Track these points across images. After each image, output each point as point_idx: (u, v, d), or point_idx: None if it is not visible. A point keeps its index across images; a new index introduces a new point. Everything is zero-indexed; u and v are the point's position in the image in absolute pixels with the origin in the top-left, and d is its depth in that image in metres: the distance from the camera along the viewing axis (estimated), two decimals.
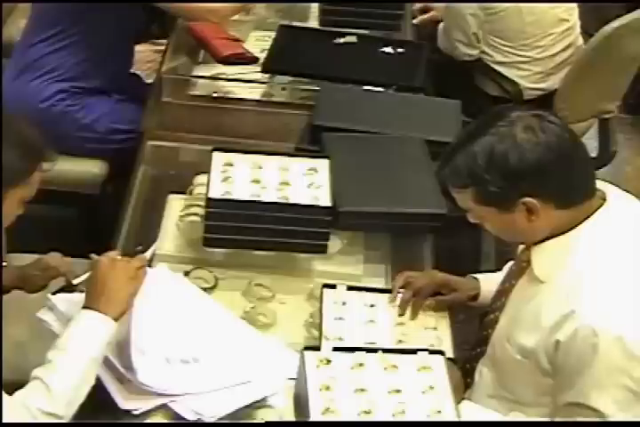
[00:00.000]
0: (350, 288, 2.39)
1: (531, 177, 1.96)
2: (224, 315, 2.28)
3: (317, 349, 2.14)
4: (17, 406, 1.89)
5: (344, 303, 2.36)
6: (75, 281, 2.22)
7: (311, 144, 2.79)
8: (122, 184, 2.86)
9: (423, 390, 2.06)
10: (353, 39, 3.37)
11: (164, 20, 3.66)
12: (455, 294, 2.38)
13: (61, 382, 1.93)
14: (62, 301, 2.16)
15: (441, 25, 3.80)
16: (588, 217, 2.03)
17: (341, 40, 3.37)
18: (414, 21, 3.93)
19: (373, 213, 2.50)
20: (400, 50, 3.35)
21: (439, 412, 2.01)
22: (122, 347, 2.07)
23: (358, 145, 2.72)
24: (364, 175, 2.60)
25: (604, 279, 1.98)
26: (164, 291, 2.22)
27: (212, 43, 3.19)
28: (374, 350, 2.14)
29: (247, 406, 2.07)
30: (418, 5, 4.01)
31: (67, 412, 1.93)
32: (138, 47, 3.53)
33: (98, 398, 2.01)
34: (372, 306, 2.36)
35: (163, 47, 3.57)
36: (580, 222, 2.03)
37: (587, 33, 3.73)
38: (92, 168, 3.33)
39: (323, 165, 2.55)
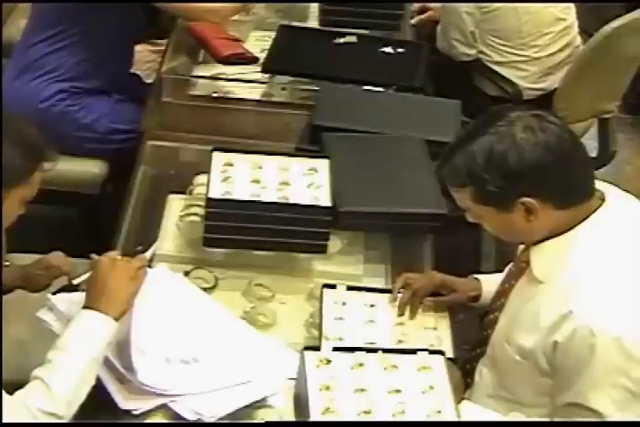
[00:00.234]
0: (350, 288, 2.39)
1: (530, 177, 1.96)
2: (224, 315, 2.28)
3: (317, 349, 2.14)
4: (17, 405, 1.89)
5: (344, 303, 2.36)
6: (75, 281, 2.22)
7: (311, 144, 2.79)
8: (122, 184, 2.86)
9: (423, 390, 2.06)
10: (353, 39, 3.37)
11: (163, 20, 3.65)
12: (454, 294, 2.38)
13: (62, 382, 1.93)
14: (62, 301, 2.16)
15: (439, 26, 3.81)
16: (587, 217, 2.03)
17: (341, 40, 3.37)
18: (412, 21, 3.93)
19: (373, 213, 2.50)
20: (400, 50, 3.35)
21: (439, 412, 2.01)
22: (122, 347, 2.07)
23: (358, 145, 2.72)
24: (364, 175, 2.60)
25: (603, 280, 1.98)
26: (164, 291, 2.22)
27: (212, 43, 3.20)
28: (374, 350, 2.14)
29: (247, 406, 2.07)
30: (416, 5, 4.01)
31: (67, 412, 1.93)
32: (136, 47, 3.52)
33: (98, 398, 2.01)
34: (372, 306, 2.36)
35: (162, 47, 3.58)
36: (579, 223, 2.03)
37: (586, 33, 3.73)
38: (92, 168, 3.33)
39: (323, 165, 2.55)
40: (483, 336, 2.24)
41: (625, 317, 1.94)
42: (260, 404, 2.09)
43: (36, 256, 2.43)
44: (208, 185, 2.42)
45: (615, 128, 3.86)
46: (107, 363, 2.06)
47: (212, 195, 2.39)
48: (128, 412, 2.04)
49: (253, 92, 3.18)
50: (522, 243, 2.21)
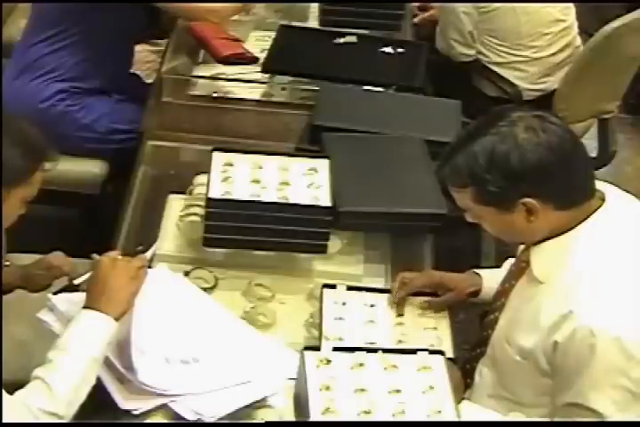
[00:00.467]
0: (350, 288, 2.39)
1: (531, 177, 1.96)
2: (224, 315, 2.28)
3: (317, 349, 2.14)
4: (18, 405, 1.89)
5: (344, 303, 2.36)
6: (76, 281, 2.22)
7: (311, 144, 2.80)
8: (122, 184, 2.86)
9: (423, 390, 2.06)
10: (353, 39, 3.37)
11: (163, 20, 3.66)
12: (450, 294, 2.37)
13: (62, 381, 1.93)
14: (62, 301, 2.16)
15: (438, 26, 3.81)
16: (587, 217, 2.03)
17: (341, 40, 3.37)
18: (415, 20, 3.93)
19: (373, 213, 2.50)
20: (400, 50, 3.35)
21: (439, 412, 2.01)
22: (122, 347, 2.07)
23: (358, 145, 2.72)
24: (364, 175, 2.60)
25: (603, 280, 1.98)
26: (164, 291, 2.22)
27: (212, 43, 3.20)
28: (374, 350, 2.14)
29: (247, 406, 2.07)
30: (415, 5, 4.01)
31: (67, 412, 1.93)
32: (136, 47, 3.52)
33: (98, 398, 2.01)
34: (372, 306, 2.36)
35: (161, 47, 3.58)
36: (580, 223, 2.03)
37: (586, 33, 3.73)
38: (92, 168, 3.33)
39: (323, 165, 2.55)
40: (483, 336, 2.24)
41: (625, 317, 1.94)
42: (260, 404, 2.09)
43: (36, 256, 2.43)
44: (208, 185, 2.42)
45: (615, 128, 3.86)
46: (107, 363, 2.06)
47: (212, 195, 2.39)
48: (128, 412, 2.04)
49: (253, 92, 3.18)
50: (522, 243, 2.21)
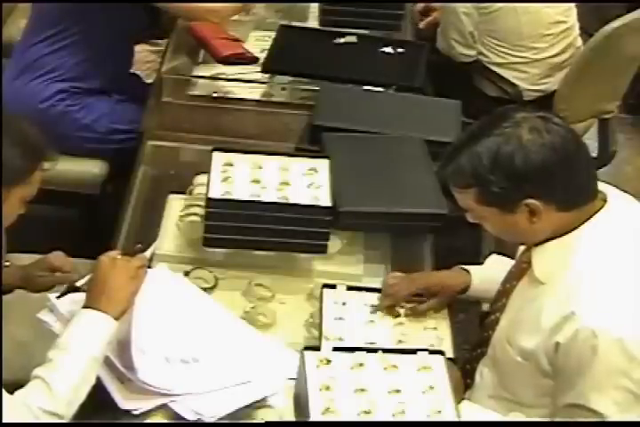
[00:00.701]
0: (350, 288, 2.39)
1: (535, 178, 1.96)
2: (224, 315, 2.28)
3: (317, 349, 2.14)
4: (18, 405, 1.89)
5: (344, 303, 2.36)
6: (78, 283, 2.22)
7: (311, 144, 2.79)
8: (122, 184, 2.86)
9: (423, 390, 2.06)
10: (353, 39, 3.37)
11: (164, 20, 3.65)
12: (434, 299, 2.36)
13: (62, 381, 1.93)
14: (63, 302, 2.16)
15: (440, 26, 3.81)
16: (589, 218, 2.03)
17: (341, 40, 3.37)
18: (420, 26, 3.93)
19: (373, 213, 2.50)
20: (400, 50, 3.35)
21: (439, 412, 2.01)
22: (122, 346, 2.07)
23: (358, 145, 2.72)
24: (364, 175, 2.60)
25: (605, 281, 1.98)
26: (164, 291, 2.22)
27: (212, 43, 3.20)
28: (374, 350, 2.14)
29: (247, 406, 2.07)
30: (419, 6, 4.01)
31: (67, 411, 1.93)
32: (136, 47, 3.52)
33: (98, 398, 2.01)
34: (372, 306, 2.36)
35: (161, 47, 3.58)
36: (581, 224, 2.03)
37: (587, 33, 3.72)
38: (92, 168, 3.33)
39: (323, 165, 2.55)
40: (483, 337, 2.24)
41: (627, 318, 1.94)
42: (260, 404, 2.09)
43: (36, 256, 2.42)
44: (208, 185, 2.42)
45: (615, 128, 3.86)
46: (107, 362, 2.06)
47: (212, 195, 2.39)
48: (128, 412, 2.04)
49: (253, 92, 3.18)
50: (523, 243, 2.21)
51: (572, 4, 3.75)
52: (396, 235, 2.61)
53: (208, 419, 2.02)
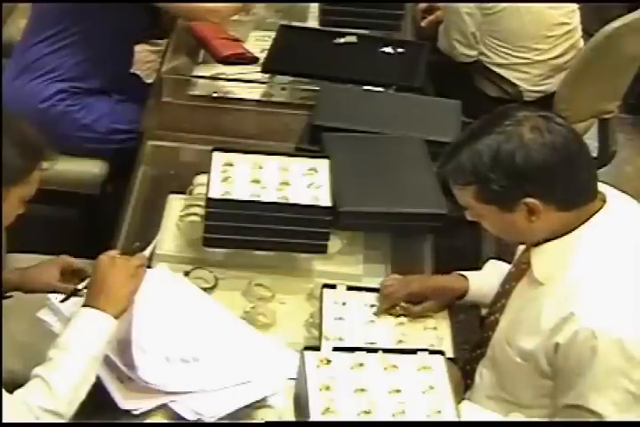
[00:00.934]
0: (350, 288, 2.39)
1: (535, 177, 1.96)
2: (224, 315, 2.28)
3: (317, 349, 2.14)
4: (18, 404, 1.89)
5: (344, 303, 2.36)
6: (80, 286, 2.21)
7: (311, 144, 2.79)
8: (122, 184, 2.86)
9: (423, 390, 2.06)
10: (353, 39, 3.37)
11: (164, 20, 3.65)
12: (429, 302, 2.35)
13: (62, 380, 1.93)
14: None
15: (441, 26, 3.81)
16: (589, 219, 2.03)
17: (341, 40, 3.37)
18: (422, 24, 3.93)
19: (373, 213, 2.50)
20: (400, 50, 3.35)
21: (439, 412, 2.01)
22: (123, 345, 2.07)
23: (358, 145, 2.72)
24: (364, 175, 2.60)
25: (604, 282, 1.98)
26: (164, 291, 2.22)
27: (212, 43, 3.20)
28: (374, 350, 2.14)
29: (247, 406, 2.07)
30: (422, 5, 4.01)
31: (67, 410, 1.93)
32: (136, 47, 3.52)
33: (98, 398, 2.01)
34: (372, 306, 2.36)
35: (161, 47, 3.58)
36: (581, 224, 2.03)
37: (587, 33, 3.72)
38: (92, 168, 3.33)
39: (323, 165, 2.55)
40: (483, 338, 2.24)
41: (626, 318, 1.94)
42: (260, 404, 2.08)
43: (36, 256, 2.42)
44: (208, 185, 2.41)
45: (615, 128, 3.86)
46: (107, 362, 2.06)
47: (212, 195, 2.39)
48: (128, 412, 2.04)
49: (253, 92, 3.18)
50: (522, 243, 2.21)
51: (576, 6, 3.74)
52: (396, 235, 2.61)
53: (208, 419, 2.02)
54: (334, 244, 2.49)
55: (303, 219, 2.40)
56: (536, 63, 3.70)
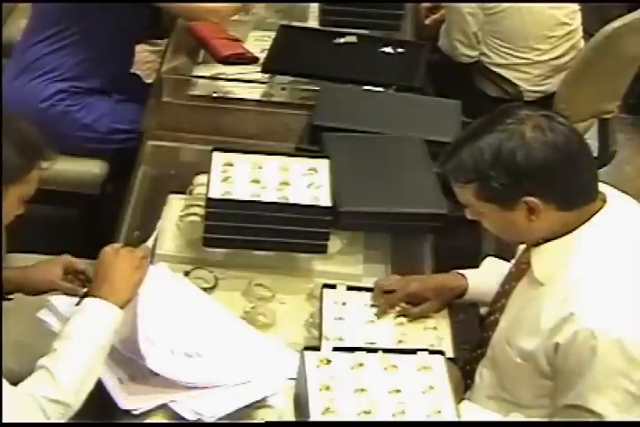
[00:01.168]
0: (350, 288, 2.39)
1: (536, 176, 1.96)
2: (224, 315, 2.28)
3: (317, 349, 2.14)
4: (22, 395, 1.89)
5: (344, 303, 2.36)
6: (85, 289, 2.21)
7: (311, 144, 2.79)
8: (122, 184, 2.86)
9: (423, 390, 2.06)
10: (353, 39, 3.37)
11: (163, 20, 3.66)
12: (428, 303, 2.35)
13: (66, 369, 1.93)
14: (62, 302, 2.16)
15: (443, 25, 3.81)
16: (589, 219, 2.03)
17: (341, 40, 3.37)
18: (426, 22, 3.93)
19: (373, 213, 2.50)
20: (400, 50, 3.35)
21: (439, 412, 2.01)
22: (129, 336, 2.06)
23: (358, 145, 2.72)
24: (364, 175, 2.60)
25: (604, 282, 1.98)
26: (166, 288, 2.22)
27: (212, 43, 3.19)
28: (374, 350, 2.14)
29: (247, 406, 2.07)
30: (426, 4, 4.01)
31: (74, 400, 1.92)
32: (136, 47, 3.52)
33: (98, 398, 2.01)
34: (372, 306, 2.36)
35: (161, 47, 3.58)
36: (581, 224, 2.03)
37: (587, 33, 3.73)
38: (92, 168, 3.33)
39: (323, 165, 2.55)
40: (483, 338, 2.24)
41: (626, 318, 1.94)
42: (260, 404, 2.08)
43: (36, 256, 2.42)
44: (208, 185, 2.41)
45: (615, 128, 3.86)
46: (106, 362, 2.06)
47: (212, 195, 2.39)
48: (128, 412, 2.04)
49: (253, 92, 3.18)
50: (521, 242, 2.21)
51: (578, 7, 3.74)
52: (396, 235, 2.61)
53: (208, 419, 2.02)
54: (334, 244, 2.49)
55: (303, 219, 2.40)
56: (537, 63, 3.70)
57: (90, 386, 1.96)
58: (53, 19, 3.26)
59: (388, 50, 3.35)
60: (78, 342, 1.97)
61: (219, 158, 2.52)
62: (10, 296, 2.31)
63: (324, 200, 2.43)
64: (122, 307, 2.03)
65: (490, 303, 2.28)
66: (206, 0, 3.31)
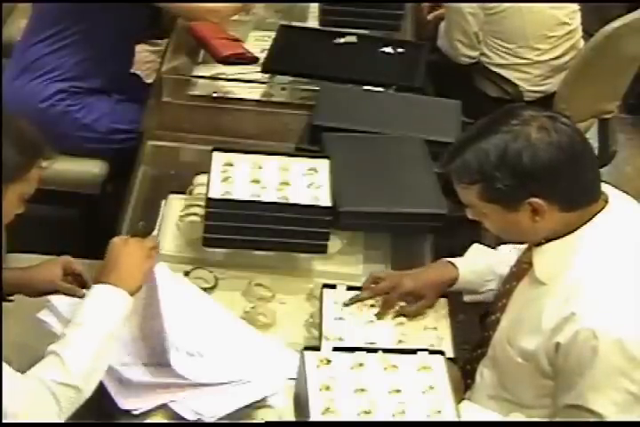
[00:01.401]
0: (350, 288, 2.39)
1: (542, 177, 1.96)
2: (224, 315, 2.28)
3: (317, 349, 2.14)
4: (31, 380, 1.89)
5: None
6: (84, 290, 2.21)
7: (311, 144, 2.79)
8: (122, 184, 2.86)
9: (423, 390, 2.06)
10: (353, 39, 3.37)
11: (163, 20, 3.66)
12: (423, 301, 2.35)
13: (75, 355, 1.93)
14: (63, 302, 2.16)
15: (442, 25, 3.81)
16: (591, 219, 2.03)
17: (341, 40, 3.37)
18: (429, 17, 3.94)
19: (373, 213, 2.50)
20: (400, 50, 3.35)
21: (439, 412, 2.01)
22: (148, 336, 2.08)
23: (358, 145, 2.72)
24: (364, 175, 2.60)
25: (605, 282, 1.98)
26: (167, 287, 2.22)
27: (212, 43, 3.19)
28: (374, 350, 2.14)
29: (247, 406, 2.07)
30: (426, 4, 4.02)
31: (84, 384, 1.92)
32: (136, 47, 3.52)
33: (98, 398, 2.01)
34: (372, 306, 2.36)
35: (161, 47, 3.58)
36: (583, 224, 2.03)
37: (587, 33, 3.73)
38: (92, 168, 3.33)
39: (323, 165, 2.55)
40: (484, 337, 2.24)
41: (627, 319, 1.94)
42: (260, 404, 2.08)
43: (36, 256, 2.42)
44: (208, 185, 2.41)
45: (615, 128, 3.86)
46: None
47: (212, 195, 2.39)
48: (128, 412, 2.04)
49: (253, 92, 3.18)
50: (521, 243, 2.21)
51: (578, 7, 3.74)
52: (396, 235, 2.61)
53: (208, 419, 2.02)
54: (334, 244, 2.49)
55: (303, 219, 2.40)
56: (536, 63, 3.70)
57: (100, 373, 1.96)
58: (53, 19, 3.26)
59: (388, 50, 3.35)
60: (88, 327, 1.97)
61: (219, 158, 2.52)
62: (10, 297, 2.30)
63: (324, 200, 2.43)
64: (132, 294, 2.04)
65: (490, 303, 2.28)
66: (206, 0, 3.31)
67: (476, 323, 2.40)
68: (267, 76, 3.19)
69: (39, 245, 2.63)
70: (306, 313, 2.37)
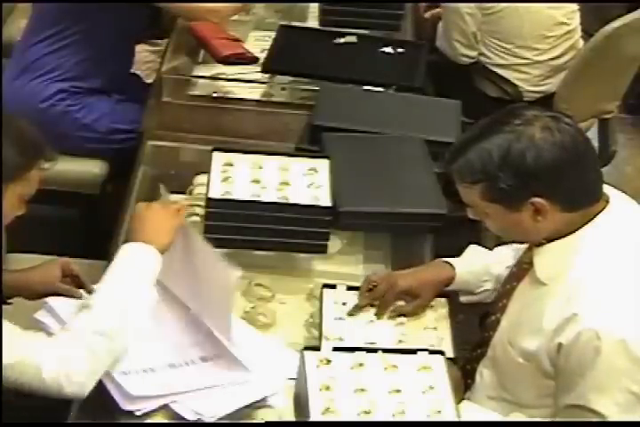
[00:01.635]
0: (350, 288, 2.39)
1: (544, 177, 1.96)
2: None
3: (317, 349, 2.14)
4: (63, 333, 1.94)
5: (344, 303, 2.35)
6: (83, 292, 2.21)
7: (311, 144, 2.79)
8: (122, 184, 2.86)
9: (423, 390, 2.06)
10: (353, 39, 3.37)
11: (163, 20, 3.66)
12: (419, 300, 2.35)
13: (103, 298, 1.97)
14: (61, 303, 2.16)
15: (440, 25, 3.81)
16: (592, 219, 2.03)
17: (341, 40, 3.37)
18: (426, 15, 3.94)
19: (373, 213, 2.50)
20: (400, 50, 3.35)
21: (439, 412, 2.01)
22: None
23: (358, 145, 2.72)
24: (364, 175, 2.60)
25: (607, 282, 1.98)
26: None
27: (212, 43, 3.19)
28: (374, 350, 2.14)
29: (247, 406, 2.06)
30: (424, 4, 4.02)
31: (116, 333, 1.96)
32: (136, 47, 3.52)
33: (98, 398, 2.01)
34: (372, 306, 2.36)
35: (161, 47, 3.58)
36: (584, 225, 2.03)
37: (587, 33, 3.73)
38: (92, 168, 3.33)
39: (323, 165, 2.55)
40: (484, 337, 2.24)
41: (629, 319, 1.94)
42: (260, 404, 2.08)
43: (36, 256, 2.42)
44: (208, 185, 2.42)
45: (615, 128, 3.86)
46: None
47: (212, 195, 2.39)
48: (129, 412, 2.03)
49: (253, 92, 3.18)
50: (521, 242, 2.20)
51: (577, 7, 3.74)
52: (396, 235, 2.61)
53: (208, 419, 2.02)
54: (334, 244, 2.49)
55: (303, 219, 2.40)
56: (536, 63, 3.70)
57: (133, 321, 1.99)
58: (53, 19, 3.26)
59: (388, 50, 3.35)
60: (117, 279, 2.01)
61: (219, 158, 2.52)
62: (9, 301, 2.30)
63: (324, 200, 2.43)
64: (162, 252, 2.07)
65: (490, 303, 2.28)
66: (206, 0, 3.31)
67: (475, 323, 2.40)
68: (267, 76, 3.19)
69: (39, 245, 2.63)
70: (306, 313, 2.37)
